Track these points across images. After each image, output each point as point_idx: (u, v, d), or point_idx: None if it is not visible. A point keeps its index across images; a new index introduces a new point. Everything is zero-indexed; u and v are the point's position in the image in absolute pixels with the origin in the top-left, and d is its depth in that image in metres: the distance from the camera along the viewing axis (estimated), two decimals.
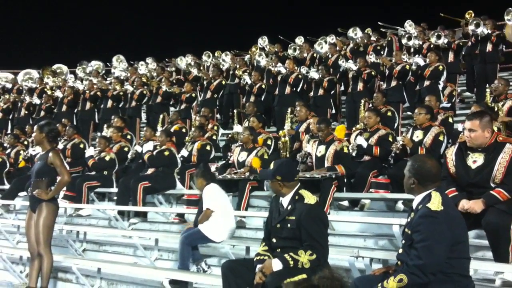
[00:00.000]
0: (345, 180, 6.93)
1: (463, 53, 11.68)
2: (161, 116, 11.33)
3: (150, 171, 8.35)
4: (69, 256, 6.88)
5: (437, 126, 6.87)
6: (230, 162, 8.24)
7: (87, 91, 13.23)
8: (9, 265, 7.27)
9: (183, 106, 12.16)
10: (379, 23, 13.76)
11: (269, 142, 8.80)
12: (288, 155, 8.45)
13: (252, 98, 11.39)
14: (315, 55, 13.12)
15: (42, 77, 16.24)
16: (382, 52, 12.35)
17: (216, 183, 6.16)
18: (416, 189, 3.49)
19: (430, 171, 3.47)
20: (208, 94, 12.42)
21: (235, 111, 11.01)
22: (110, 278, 6.42)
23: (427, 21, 13.63)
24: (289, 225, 4.08)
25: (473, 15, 11.05)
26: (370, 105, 8.92)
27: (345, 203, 6.94)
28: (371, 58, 11.11)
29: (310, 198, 4.12)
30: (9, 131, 13.84)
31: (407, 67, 10.18)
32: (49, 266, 5.83)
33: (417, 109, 7.08)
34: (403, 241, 3.53)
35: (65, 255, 6.76)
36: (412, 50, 11.95)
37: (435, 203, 3.31)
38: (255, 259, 4.26)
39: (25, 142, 11.69)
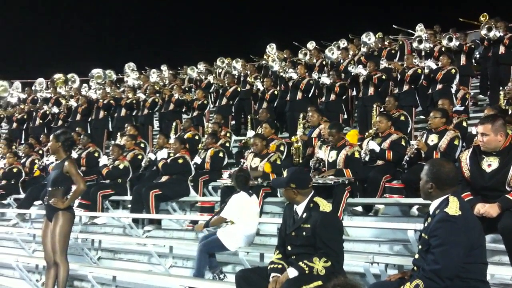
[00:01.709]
0: (358, 185, 6.91)
1: (475, 55, 11.63)
2: (174, 123, 11.38)
3: (164, 178, 8.39)
4: (85, 264, 6.93)
5: (452, 130, 6.82)
6: (243, 168, 8.24)
7: (101, 100, 13.34)
8: (25, 274, 7.35)
9: (195, 113, 12.21)
10: (394, 26, 13.74)
11: (282, 148, 8.80)
12: (301, 161, 8.45)
13: (264, 104, 11.41)
14: (325, 61, 13.11)
15: (55, 86, 16.42)
16: (395, 57, 12.32)
17: (246, 191, 6.12)
18: (434, 193, 3.47)
19: (448, 175, 3.45)
20: (224, 101, 12.45)
21: (248, 117, 11.00)
22: (126, 286, 6.48)
23: (440, 23, 13.56)
24: (304, 233, 4.08)
25: (487, 17, 10.99)
26: (382, 110, 8.89)
27: (359, 208, 6.91)
28: (383, 63, 11.08)
29: (325, 206, 4.12)
30: (23, 141, 13.98)
31: (419, 71, 10.15)
32: (65, 275, 5.87)
33: (432, 113, 7.03)
34: (420, 246, 3.51)
35: (80, 264, 6.81)
36: (423, 53, 11.94)
37: (453, 208, 3.29)
38: (269, 267, 4.27)
39: (40, 152, 11.81)
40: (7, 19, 22.92)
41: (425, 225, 3.50)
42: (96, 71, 16.96)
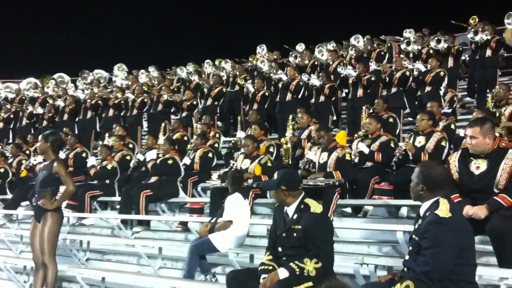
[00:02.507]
0: (348, 186, 6.94)
1: (463, 58, 11.73)
2: (163, 124, 11.34)
3: (153, 179, 8.36)
4: (73, 266, 6.90)
5: (439, 132, 6.91)
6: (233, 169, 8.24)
7: (88, 100, 13.26)
8: (13, 275, 7.31)
9: (184, 114, 12.19)
10: (382, 36, 13.88)
11: (271, 149, 8.81)
12: (290, 162, 8.46)
13: (255, 106, 11.42)
14: (316, 62, 13.15)
15: (43, 86, 16.30)
16: (385, 58, 12.39)
17: (240, 192, 6.12)
18: (424, 195, 3.50)
19: (438, 177, 3.48)
20: (209, 101, 12.45)
21: (239, 118, 11.00)
22: (115, 287, 6.44)
23: (429, 26, 13.64)
24: (295, 234, 4.09)
25: (477, 20, 11.09)
26: (371, 111, 8.94)
27: (348, 209, 6.95)
28: (372, 65, 11.14)
29: (316, 207, 4.14)
30: (10, 141, 13.85)
31: (407, 73, 10.23)
32: (53, 276, 5.82)
33: (419, 115, 7.11)
34: (410, 248, 3.54)
35: (69, 265, 6.77)
36: (411, 55, 12.02)
37: (444, 210, 3.32)
38: (259, 269, 4.28)
39: (27, 152, 11.72)
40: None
41: (416, 226, 3.54)
42: (97, 72, 16.93)
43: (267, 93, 11.63)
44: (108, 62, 17.64)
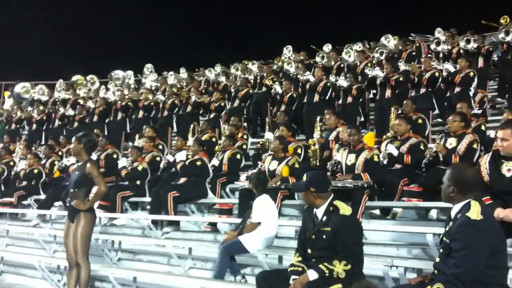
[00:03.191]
0: (376, 188, 6.92)
1: (493, 58, 11.56)
2: (192, 125, 11.45)
3: (182, 180, 8.47)
4: (106, 265, 7.02)
5: (471, 134, 6.80)
6: (261, 170, 8.29)
7: (119, 101, 13.47)
8: (47, 274, 7.47)
9: (212, 115, 12.29)
10: (412, 35, 13.72)
11: (299, 151, 8.82)
12: (318, 164, 8.47)
13: (282, 107, 11.45)
14: (342, 63, 13.11)
15: (74, 88, 16.62)
16: (415, 59, 12.26)
17: (268, 193, 6.20)
18: (456, 197, 3.49)
19: (470, 179, 3.47)
20: (236, 103, 12.52)
21: (267, 119, 11.04)
22: (146, 287, 6.54)
23: (458, 26, 13.48)
24: (324, 236, 4.12)
25: (508, 20, 10.90)
26: (400, 112, 8.88)
27: (377, 211, 6.93)
28: (401, 65, 11.04)
29: (345, 209, 4.17)
30: (42, 142, 14.15)
31: (437, 73, 10.11)
32: (86, 275, 5.94)
33: (451, 116, 7.02)
34: (441, 250, 3.53)
35: (101, 264, 6.90)
36: (441, 55, 11.88)
37: (475, 212, 3.31)
38: (289, 270, 4.32)
39: (60, 153, 11.95)
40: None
41: (447, 229, 3.53)
42: (115, 73, 17.11)
43: (294, 95, 11.64)
44: (137, 64, 17.92)
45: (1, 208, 10.58)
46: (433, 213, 6.53)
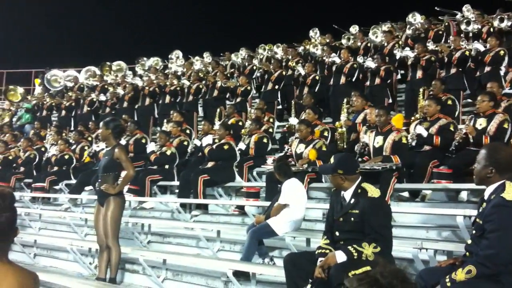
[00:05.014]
0: (405, 170, 6.84)
1: None
2: (218, 110, 11.47)
3: (210, 164, 8.53)
4: (136, 248, 7.13)
5: (501, 114, 6.66)
6: (288, 154, 8.29)
7: (146, 87, 13.57)
8: (79, 257, 7.62)
9: (238, 100, 12.29)
10: (436, 8, 13.34)
11: (325, 133, 8.78)
12: (345, 147, 8.42)
13: (305, 89, 11.36)
14: (369, 44, 12.92)
15: (102, 74, 16.79)
16: (442, 38, 12.00)
17: (295, 177, 6.21)
18: (493, 178, 3.40)
19: (508, 160, 3.39)
20: (269, 86, 12.43)
21: (292, 102, 10.97)
22: (175, 269, 6.62)
23: (483, 5, 13.08)
24: (352, 218, 4.10)
25: None
26: (430, 93, 8.72)
27: (405, 194, 6.86)
28: (430, 45, 10.82)
29: (373, 192, 4.13)
30: (72, 128, 14.38)
31: (467, 53, 9.89)
32: (117, 258, 6.07)
33: (479, 96, 6.88)
34: (474, 232, 3.47)
35: (131, 247, 7.00)
36: (470, 35, 11.60)
37: (510, 193, 3.25)
38: (316, 252, 4.31)
39: (89, 138, 12.14)
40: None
41: (480, 210, 3.46)
42: (153, 59, 17.28)
43: (317, 77, 11.55)
44: (163, 49, 17.99)
45: (34, 193, 10.85)
46: (464, 195, 6.44)
